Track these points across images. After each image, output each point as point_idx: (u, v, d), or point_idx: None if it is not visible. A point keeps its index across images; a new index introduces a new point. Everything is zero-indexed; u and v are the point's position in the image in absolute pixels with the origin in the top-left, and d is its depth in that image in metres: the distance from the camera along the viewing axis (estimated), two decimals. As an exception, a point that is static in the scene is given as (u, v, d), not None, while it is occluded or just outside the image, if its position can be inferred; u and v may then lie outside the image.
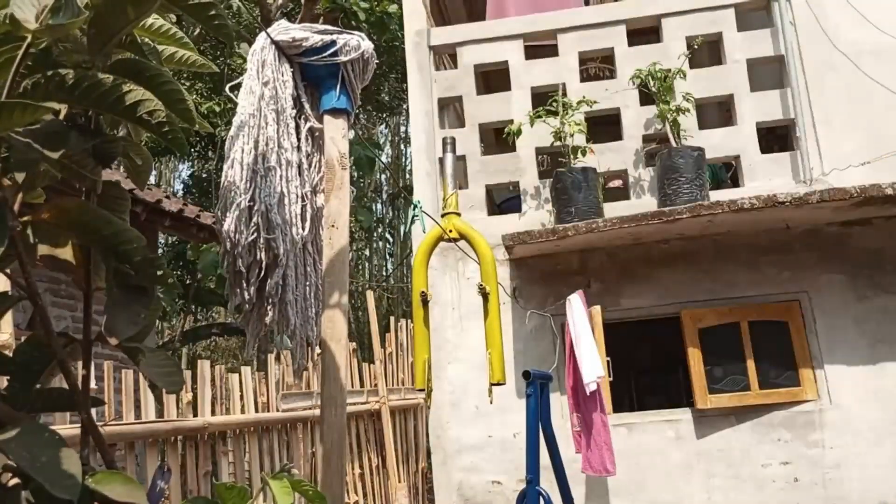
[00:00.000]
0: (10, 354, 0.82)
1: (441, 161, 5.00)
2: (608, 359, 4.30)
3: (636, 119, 5.08)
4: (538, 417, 2.03)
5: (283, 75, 1.61)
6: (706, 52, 5.50)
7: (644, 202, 4.87)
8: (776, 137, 5.53)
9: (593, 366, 4.03)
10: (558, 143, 4.84)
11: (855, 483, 4.43)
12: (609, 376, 4.37)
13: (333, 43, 1.66)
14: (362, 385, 5.26)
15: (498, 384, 2.88)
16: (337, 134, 1.70)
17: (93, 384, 0.96)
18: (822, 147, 4.80)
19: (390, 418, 5.41)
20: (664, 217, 4.30)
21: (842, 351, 4.58)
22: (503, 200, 5.92)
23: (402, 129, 16.78)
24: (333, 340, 1.62)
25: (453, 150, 3.43)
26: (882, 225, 4.70)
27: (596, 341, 4.16)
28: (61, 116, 0.77)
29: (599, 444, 4.03)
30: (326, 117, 1.70)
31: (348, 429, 4.75)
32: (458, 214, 3.16)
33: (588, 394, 4.03)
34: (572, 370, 4.25)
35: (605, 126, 5.44)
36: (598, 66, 5.57)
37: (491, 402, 3.07)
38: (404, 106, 14.05)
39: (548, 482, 2.34)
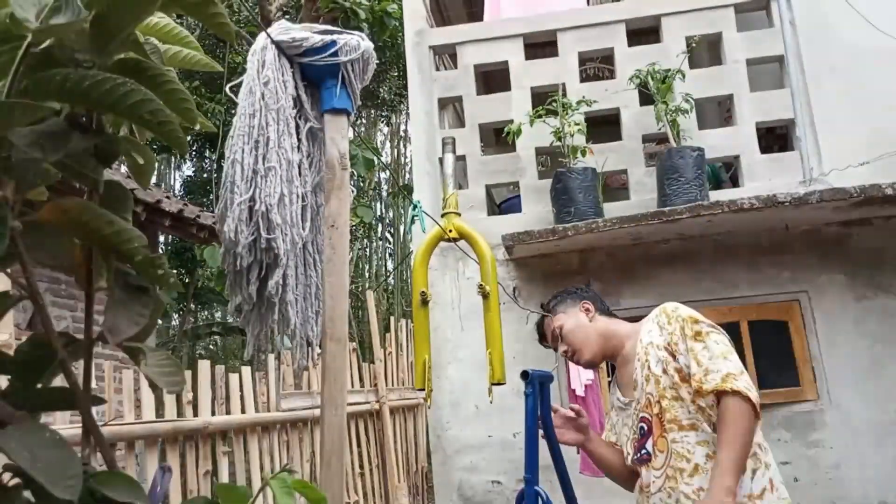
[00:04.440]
0: (11, 354, 0.82)
1: (441, 161, 5.00)
2: (608, 359, 4.30)
3: (636, 119, 5.08)
4: (536, 417, 2.03)
5: (283, 75, 1.61)
6: (706, 52, 5.51)
7: (644, 202, 4.86)
8: (776, 137, 5.54)
9: (583, 370, 4.04)
10: (558, 143, 4.83)
11: (855, 483, 4.43)
12: (608, 376, 4.37)
13: (333, 43, 1.66)
14: (362, 385, 5.26)
15: (498, 384, 2.88)
16: (337, 134, 1.70)
17: (93, 384, 0.96)
18: (822, 147, 4.80)
19: (390, 418, 5.41)
20: (664, 217, 4.30)
21: (842, 351, 4.58)
22: (503, 200, 5.92)
23: (403, 128, 16.78)
24: (333, 340, 1.62)
25: (453, 150, 3.43)
26: (882, 225, 4.70)
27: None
28: (62, 116, 0.77)
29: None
30: (327, 117, 1.70)
31: (348, 428, 4.75)
32: (459, 214, 3.16)
33: (580, 396, 4.05)
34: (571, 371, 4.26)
35: (605, 126, 5.44)
36: (598, 66, 5.57)
37: (491, 402, 3.07)
38: (404, 105, 14.05)
39: (548, 482, 2.34)
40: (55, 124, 0.74)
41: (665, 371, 1.87)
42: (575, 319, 2.14)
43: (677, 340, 1.86)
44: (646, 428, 1.93)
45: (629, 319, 2.28)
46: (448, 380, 4.94)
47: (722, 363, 1.77)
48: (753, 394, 1.75)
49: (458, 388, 4.92)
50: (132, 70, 0.78)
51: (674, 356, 1.86)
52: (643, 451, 1.92)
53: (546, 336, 2.24)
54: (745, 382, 1.76)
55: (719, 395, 1.76)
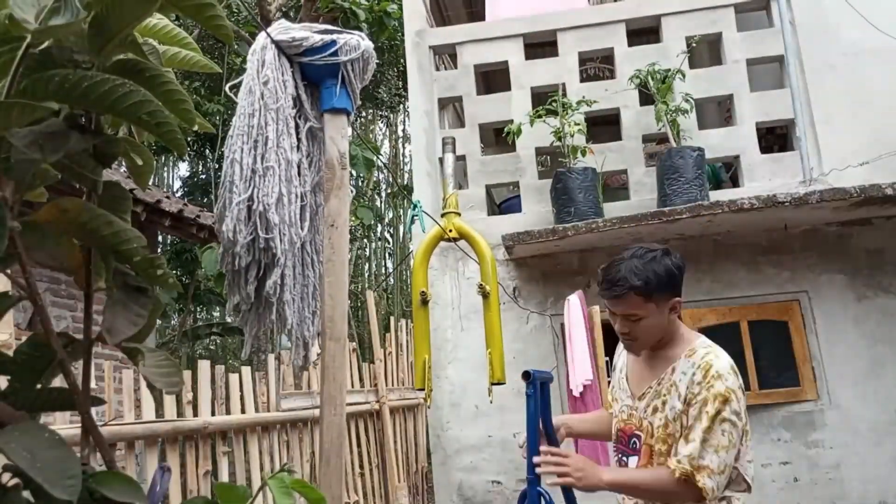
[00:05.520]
0: (10, 354, 0.82)
1: (441, 161, 5.01)
2: (606, 359, 4.30)
3: (636, 119, 5.08)
4: (538, 418, 2.03)
5: (282, 75, 1.61)
6: (706, 52, 5.51)
7: (644, 202, 4.87)
8: (776, 137, 5.54)
9: (582, 370, 4.04)
10: (558, 143, 4.84)
11: (855, 483, 4.43)
12: (608, 376, 4.37)
13: (333, 42, 1.66)
14: (362, 385, 5.26)
15: (498, 384, 2.89)
16: (337, 133, 1.70)
17: (92, 384, 0.96)
18: (822, 147, 4.81)
19: (390, 418, 5.41)
20: (664, 217, 4.31)
21: (842, 351, 4.59)
22: (503, 200, 5.92)
23: (401, 128, 16.78)
24: (333, 340, 1.62)
25: (453, 150, 3.43)
26: (882, 225, 4.71)
27: (595, 341, 4.17)
28: (61, 117, 0.77)
29: (594, 444, 4.04)
30: (326, 116, 1.70)
31: (348, 428, 4.75)
32: (459, 214, 3.16)
33: (577, 396, 4.05)
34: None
35: (605, 126, 5.44)
36: (598, 66, 5.57)
37: (491, 402, 3.07)
38: (403, 105, 14.04)
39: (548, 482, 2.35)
40: (54, 125, 0.75)
41: (675, 419, 1.80)
42: (660, 317, 1.85)
43: (695, 402, 1.76)
44: (637, 445, 1.89)
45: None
46: (448, 380, 4.94)
47: (709, 456, 1.71)
48: (714, 494, 1.70)
49: (458, 388, 4.92)
50: (131, 71, 0.79)
51: (686, 411, 1.78)
52: (626, 459, 1.94)
53: (612, 291, 1.83)
54: (713, 483, 1.69)
55: (681, 473, 1.71)
